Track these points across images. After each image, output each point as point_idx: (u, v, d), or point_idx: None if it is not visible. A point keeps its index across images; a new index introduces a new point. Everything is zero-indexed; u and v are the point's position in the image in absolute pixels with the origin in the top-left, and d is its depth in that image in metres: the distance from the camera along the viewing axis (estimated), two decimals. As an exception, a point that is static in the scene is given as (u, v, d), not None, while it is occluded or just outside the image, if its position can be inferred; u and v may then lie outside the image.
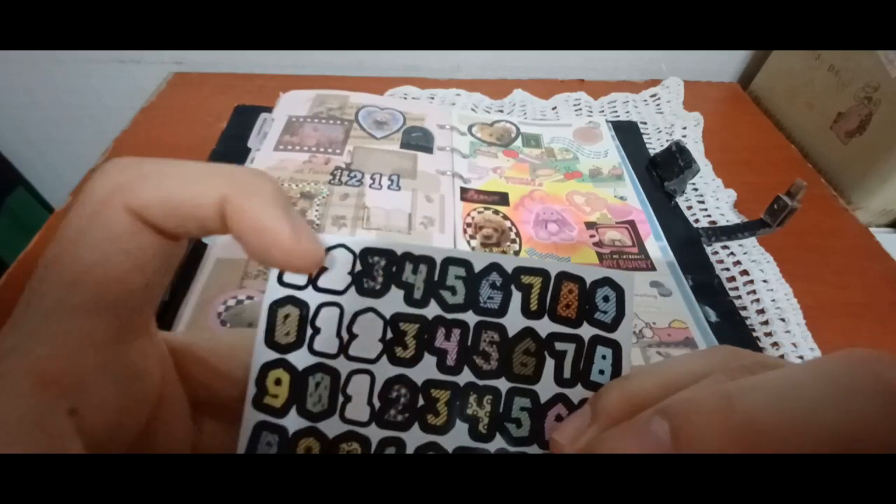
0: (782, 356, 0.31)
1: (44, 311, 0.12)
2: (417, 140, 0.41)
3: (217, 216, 0.13)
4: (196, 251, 0.32)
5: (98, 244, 0.13)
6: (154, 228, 0.13)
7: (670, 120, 0.49)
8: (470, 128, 0.44)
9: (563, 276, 0.18)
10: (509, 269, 0.17)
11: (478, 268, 0.18)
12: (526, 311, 0.17)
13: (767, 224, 0.35)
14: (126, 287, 0.13)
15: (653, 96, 0.53)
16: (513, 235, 0.35)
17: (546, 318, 0.17)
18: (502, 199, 0.38)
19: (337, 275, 0.17)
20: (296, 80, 0.49)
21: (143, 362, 0.14)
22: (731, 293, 0.34)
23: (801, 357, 0.31)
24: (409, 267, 0.17)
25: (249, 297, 0.28)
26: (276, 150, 0.38)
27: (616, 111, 0.51)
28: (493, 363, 0.17)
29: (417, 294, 0.17)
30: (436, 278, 0.17)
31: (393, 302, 0.17)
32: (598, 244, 0.35)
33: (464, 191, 0.38)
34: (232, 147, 0.40)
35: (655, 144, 0.46)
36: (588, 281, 0.18)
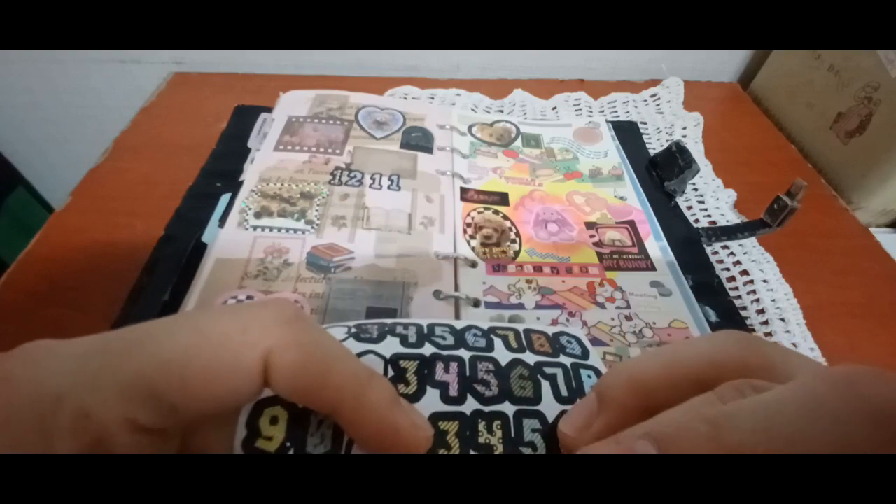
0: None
1: (120, 363, 0.12)
2: (417, 140, 0.41)
3: (331, 410, 0.14)
4: (196, 251, 0.32)
5: (216, 361, 0.12)
6: (267, 384, 0.13)
7: (670, 120, 0.49)
8: (470, 128, 0.44)
9: (529, 331, 0.20)
10: (484, 327, 0.20)
11: (459, 327, 0.19)
12: (509, 348, 0.19)
13: (767, 224, 0.35)
14: (199, 406, 0.12)
15: (653, 96, 0.53)
16: (513, 235, 0.35)
17: (528, 352, 0.19)
18: (502, 199, 0.38)
19: (334, 331, 0.18)
20: (296, 80, 0.49)
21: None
22: (731, 293, 0.34)
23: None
24: (399, 327, 0.19)
25: (249, 297, 0.28)
26: (275, 150, 0.38)
27: (616, 111, 0.51)
28: (493, 389, 0.18)
29: (412, 339, 0.18)
30: (425, 332, 0.19)
31: (390, 346, 0.18)
32: (598, 244, 0.35)
33: (464, 191, 0.38)
34: (232, 147, 0.40)
35: (655, 144, 0.46)
36: (549, 333, 0.20)
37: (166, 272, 0.31)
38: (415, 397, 0.17)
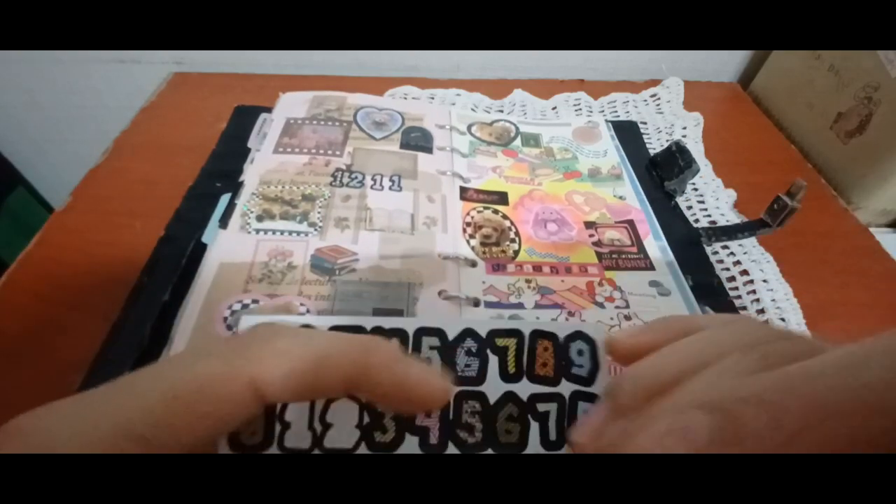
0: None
1: (106, 412, 0.13)
2: (416, 140, 0.41)
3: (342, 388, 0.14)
4: (196, 251, 0.32)
5: (199, 400, 0.13)
6: (264, 400, 0.14)
7: (670, 120, 0.49)
8: (469, 127, 0.44)
9: (537, 335, 0.18)
10: (483, 333, 0.17)
11: (451, 335, 0.17)
12: (504, 375, 0.17)
13: (767, 224, 0.35)
14: (190, 439, 0.13)
15: (653, 96, 0.53)
16: (512, 235, 0.35)
17: (525, 379, 0.17)
18: (501, 198, 0.38)
19: None
20: (296, 80, 0.49)
21: None
22: (731, 293, 0.34)
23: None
24: (382, 334, 0.17)
25: (255, 301, 0.28)
26: (275, 152, 0.38)
27: (616, 111, 0.51)
28: (477, 435, 0.16)
29: None
30: (409, 352, 0.17)
31: None
32: (598, 243, 0.35)
33: (463, 190, 0.38)
34: (232, 147, 0.40)
35: (655, 144, 0.46)
36: (561, 336, 0.18)
37: (166, 272, 0.31)
38: (392, 445, 0.16)
